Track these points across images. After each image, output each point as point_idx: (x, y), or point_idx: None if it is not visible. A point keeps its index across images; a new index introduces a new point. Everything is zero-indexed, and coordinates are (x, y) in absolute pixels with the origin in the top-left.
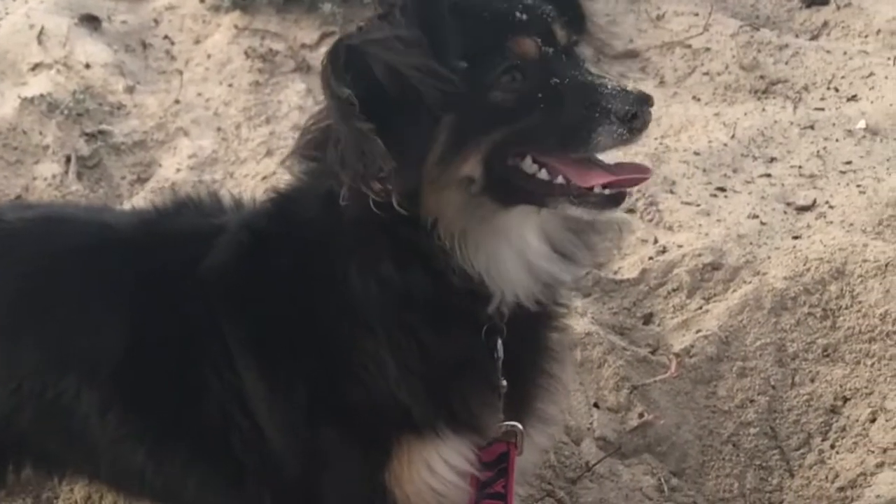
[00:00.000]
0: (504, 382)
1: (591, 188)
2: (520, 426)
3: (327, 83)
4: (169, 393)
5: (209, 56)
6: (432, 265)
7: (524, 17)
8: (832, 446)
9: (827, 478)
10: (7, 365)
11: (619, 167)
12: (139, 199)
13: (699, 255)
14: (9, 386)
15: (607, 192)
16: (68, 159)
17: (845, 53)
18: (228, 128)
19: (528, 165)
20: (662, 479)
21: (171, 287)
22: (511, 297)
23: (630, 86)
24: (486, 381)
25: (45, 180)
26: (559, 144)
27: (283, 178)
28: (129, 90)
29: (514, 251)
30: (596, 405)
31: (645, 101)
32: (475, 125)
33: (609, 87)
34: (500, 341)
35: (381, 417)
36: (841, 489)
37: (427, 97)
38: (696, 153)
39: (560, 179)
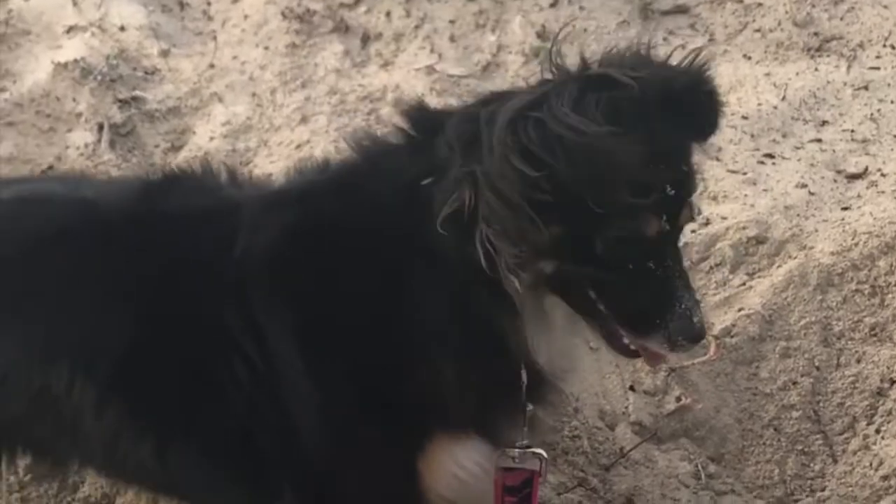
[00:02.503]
0: (530, 406)
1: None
2: (544, 454)
3: (508, 154)
4: (182, 387)
5: (246, 17)
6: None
7: (672, 192)
8: (877, 431)
9: (871, 464)
10: None
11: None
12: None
13: (744, 227)
14: None
15: (632, 347)
16: (101, 127)
17: None
18: (263, 93)
19: (592, 293)
20: (700, 466)
21: (187, 273)
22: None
23: (697, 317)
24: (517, 402)
25: (78, 149)
26: (619, 316)
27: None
28: (164, 54)
29: (553, 332)
30: (632, 388)
31: (699, 339)
32: (570, 247)
33: (684, 306)
34: (524, 370)
35: (424, 416)
36: (885, 477)
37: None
38: (745, 117)
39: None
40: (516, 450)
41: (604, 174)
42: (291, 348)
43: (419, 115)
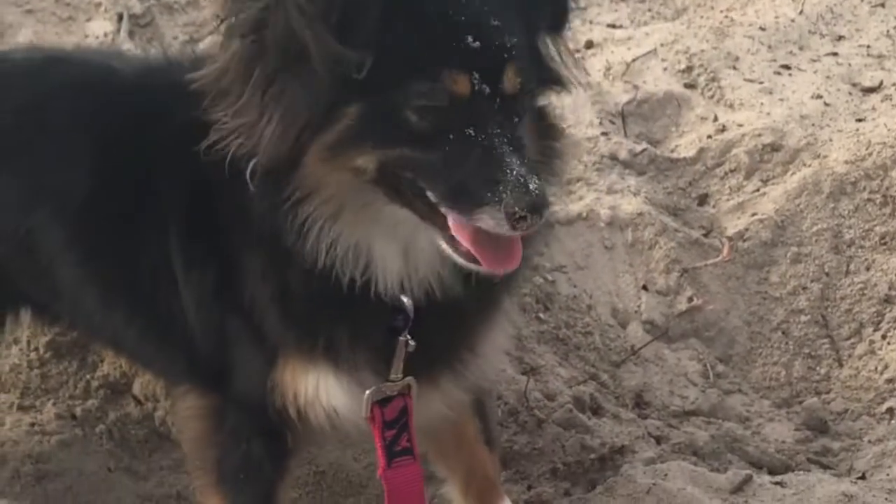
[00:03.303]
0: (411, 341)
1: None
2: (411, 379)
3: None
4: (119, 242)
5: None
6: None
7: (476, 44)
8: (883, 337)
9: (876, 368)
10: None
11: (496, 243)
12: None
13: (759, 135)
14: None
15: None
16: (120, 17)
17: None
18: None
19: (418, 182)
20: (708, 365)
21: (142, 137)
22: (385, 282)
23: (534, 183)
24: (377, 341)
25: (97, 38)
26: (444, 196)
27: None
28: None
29: (393, 240)
30: (645, 287)
31: (539, 209)
32: (379, 131)
33: (515, 172)
34: (407, 302)
35: (268, 328)
36: (890, 380)
37: (322, 73)
38: (762, 28)
39: (444, 210)
40: (388, 383)
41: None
42: (176, 227)
43: None
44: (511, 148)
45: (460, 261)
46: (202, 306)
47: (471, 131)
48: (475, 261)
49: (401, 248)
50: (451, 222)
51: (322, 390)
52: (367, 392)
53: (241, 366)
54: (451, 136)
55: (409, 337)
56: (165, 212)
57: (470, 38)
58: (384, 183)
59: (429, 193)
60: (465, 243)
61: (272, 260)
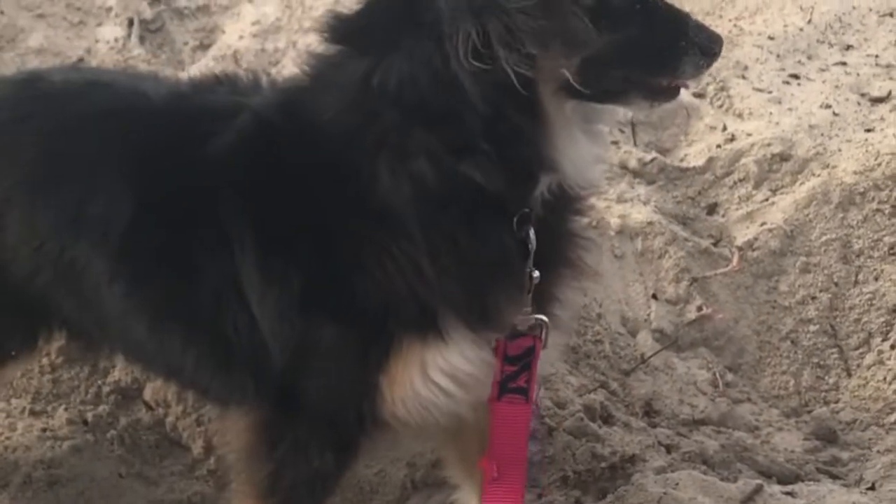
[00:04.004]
0: (536, 273)
1: (661, 84)
2: (546, 319)
3: None
4: (168, 269)
5: None
6: (513, 148)
7: None
8: (892, 347)
9: (885, 379)
10: (29, 223)
11: None
12: (201, 66)
13: (768, 144)
14: (31, 244)
15: (671, 84)
16: (131, 22)
17: None
18: None
19: (617, 67)
20: (717, 374)
21: (181, 161)
22: (569, 177)
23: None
24: (516, 274)
25: (108, 43)
26: (647, 66)
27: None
28: None
29: (575, 135)
30: (654, 296)
31: (721, 41)
32: (597, 22)
33: (692, 20)
34: (531, 230)
35: (389, 317)
36: None
37: None
38: (771, 37)
39: (643, 78)
40: (520, 317)
41: None
42: (245, 240)
43: (336, 23)
44: (673, 5)
45: (664, 101)
46: (284, 319)
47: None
48: (676, 90)
49: (581, 139)
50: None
51: (446, 360)
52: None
53: (327, 375)
54: (638, 10)
55: (533, 269)
56: (227, 232)
57: None
58: (582, 81)
59: (630, 75)
60: None
61: (437, 228)
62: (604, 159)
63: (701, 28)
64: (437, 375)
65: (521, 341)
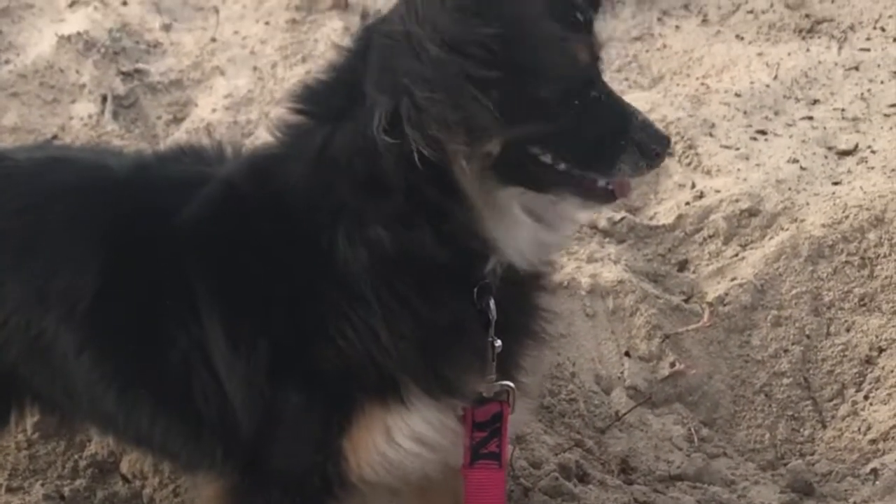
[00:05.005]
0: (498, 342)
1: (596, 183)
2: (512, 385)
3: (452, 20)
4: (135, 339)
5: None
6: (444, 224)
7: (580, 17)
8: (866, 397)
9: (860, 429)
10: None
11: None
12: (175, 140)
13: (737, 200)
14: None
15: (610, 186)
16: (104, 99)
17: None
18: (265, 67)
19: (546, 157)
20: (693, 429)
21: (146, 232)
22: (510, 258)
23: (653, 123)
24: (476, 342)
25: (82, 120)
26: (583, 160)
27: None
28: (166, 28)
29: (514, 220)
30: (627, 354)
31: (668, 142)
32: (515, 110)
33: (639, 117)
34: (492, 301)
35: (350, 383)
36: (873, 441)
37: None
38: (738, 94)
39: (576, 172)
40: (484, 384)
41: (527, 22)
42: (213, 311)
43: (304, 92)
44: (623, 101)
45: (597, 204)
46: (252, 387)
47: (594, 93)
48: (612, 195)
49: (517, 223)
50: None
51: (408, 425)
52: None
53: (293, 440)
54: (579, 103)
55: (494, 337)
56: (195, 301)
57: (577, 13)
58: (503, 164)
59: (558, 163)
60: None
61: (394, 293)
62: (560, 245)
63: (646, 126)
64: (401, 439)
65: (489, 407)
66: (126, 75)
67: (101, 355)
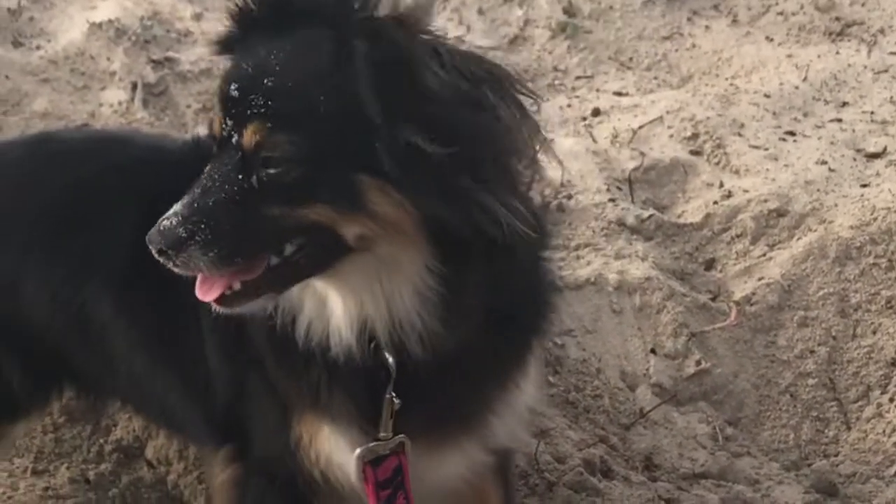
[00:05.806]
0: (396, 399)
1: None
2: (404, 437)
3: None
4: (157, 305)
5: None
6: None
7: (236, 93)
8: (891, 400)
9: (884, 431)
10: (44, 273)
11: None
12: (204, 129)
13: (765, 200)
14: (46, 294)
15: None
16: (134, 86)
17: None
18: None
19: None
20: (717, 428)
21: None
22: (336, 348)
23: (166, 221)
24: (364, 398)
25: (111, 107)
26: None
27: None
28: (197, 17)
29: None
30: (653, 351)
31: (151, 242)
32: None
33: (166, 215)
34: (390, 358)
35: (289, 392)
36: None
37: None
38: (767, 95)
39: None
40: (376, 443)
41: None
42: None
43: None
44: (198, 190)
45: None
46: (226, 359)
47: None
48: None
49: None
50: None
51: (332, 447)
52: (357, 451)
53: (260, 422)
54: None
55: (393, 394)
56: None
57: (233, 86)
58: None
59: None
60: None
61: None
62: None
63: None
64: (328, 450)
65: (388, 463)
66: (156, 63)
67: (131, 320)
